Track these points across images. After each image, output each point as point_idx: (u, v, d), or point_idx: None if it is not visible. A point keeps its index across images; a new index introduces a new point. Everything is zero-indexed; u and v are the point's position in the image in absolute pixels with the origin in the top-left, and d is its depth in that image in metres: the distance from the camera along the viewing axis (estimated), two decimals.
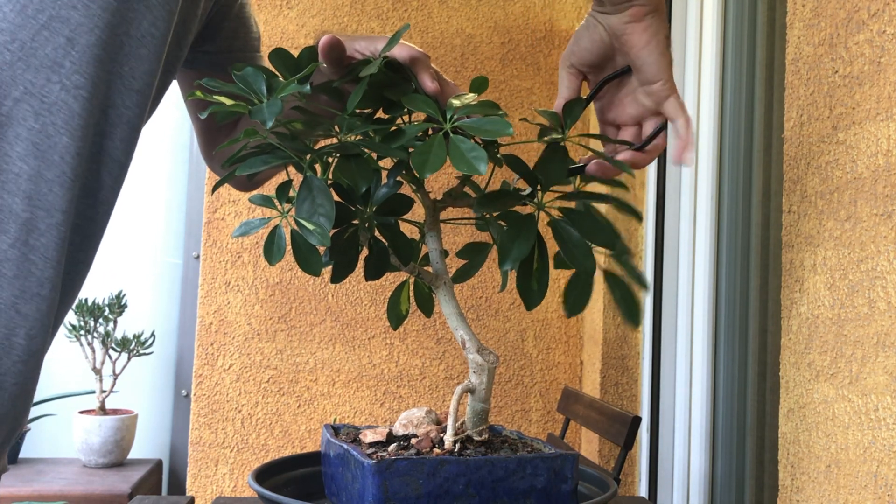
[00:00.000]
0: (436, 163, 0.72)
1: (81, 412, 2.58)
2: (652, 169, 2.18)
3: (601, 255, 0.83)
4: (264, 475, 0.90)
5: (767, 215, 1.74)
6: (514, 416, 2.65)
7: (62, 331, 2.54)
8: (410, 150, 0.79)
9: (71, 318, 2.56)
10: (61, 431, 2.79)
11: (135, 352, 2.61)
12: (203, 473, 2.55)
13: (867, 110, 0.90)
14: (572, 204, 0.84)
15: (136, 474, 2.50)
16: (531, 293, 0.82)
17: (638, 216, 0.91)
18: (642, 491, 2.18)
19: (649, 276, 2.19)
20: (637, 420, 1.72)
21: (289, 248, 0.78)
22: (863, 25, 0.92)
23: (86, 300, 2.57)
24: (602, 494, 0.86)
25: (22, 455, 2.69)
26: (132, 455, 2.70)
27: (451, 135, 0.76)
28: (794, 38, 1.07)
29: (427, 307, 0.94)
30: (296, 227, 0.76)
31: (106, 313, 2.59)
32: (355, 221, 0.85)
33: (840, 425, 0.92)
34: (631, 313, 0.84)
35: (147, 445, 2.87)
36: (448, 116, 0.78)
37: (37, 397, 2.75)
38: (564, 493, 0.81)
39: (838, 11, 0.97)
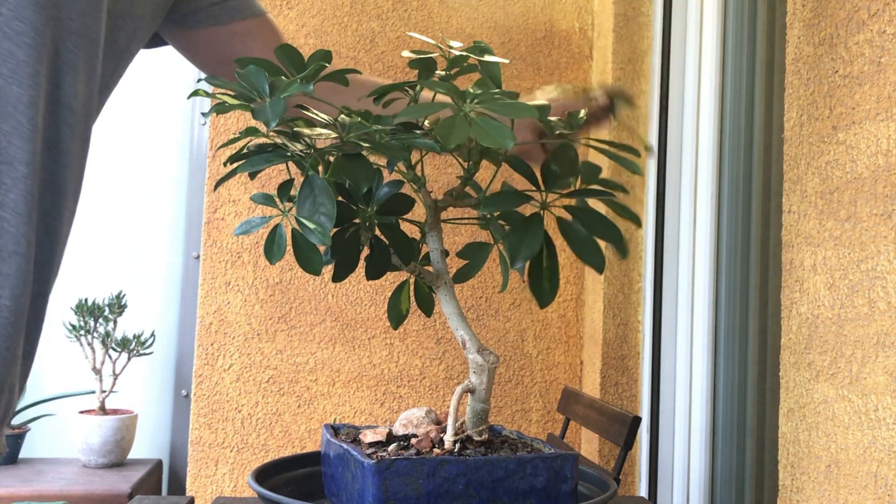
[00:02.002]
0: (460, 134, 0.72)
1: (81, 412, 2.58)
2: (652, 169, 2.18)
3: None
4: (264, 475, 0.91)
5: (767, 215, 1.74)
6: (514, 416, 2.65)
7: (62, 331, 2.54)
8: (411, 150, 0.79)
9: (71, 318, 2.56)
10: (61, 431, 2.78)
11: (135, 352, 2.61)
12: (203, 473, 2.55)
13: (867, 110, 0.90)
14: (574, 201, 0.84)
15: (136, 474, 2.50)
16: (543, 291, 0.83)
17: (636, 221, 0.90)
18: (642, 491, 2.18)
19: (649, 276, 2.19)
20: (637, 420, 1.72)
21: (289, 247, 0.78)
22: (863, 25, 0.92)
23: (86, 300, 2.57)
24: (602, 494, 0.86)
25: (22, 455, 2.68)
26: (132, 455, 2.70)
27: (473, 116, 0.76)
28: (794, 38, 1.07)
29: (427, 307, 0.94)
30: (297, 227, 0.76)
31: (106, 313, 2.59)
32: (356, 221, 0.85)
33: (840, 425, 0.92)
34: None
35: (147, 445, 2.87)
36: (468, 100, 0.78)
37: (36, 397, 2.75)
38: (564, 493, 0.81)
39: (838, 11, 0.97)
